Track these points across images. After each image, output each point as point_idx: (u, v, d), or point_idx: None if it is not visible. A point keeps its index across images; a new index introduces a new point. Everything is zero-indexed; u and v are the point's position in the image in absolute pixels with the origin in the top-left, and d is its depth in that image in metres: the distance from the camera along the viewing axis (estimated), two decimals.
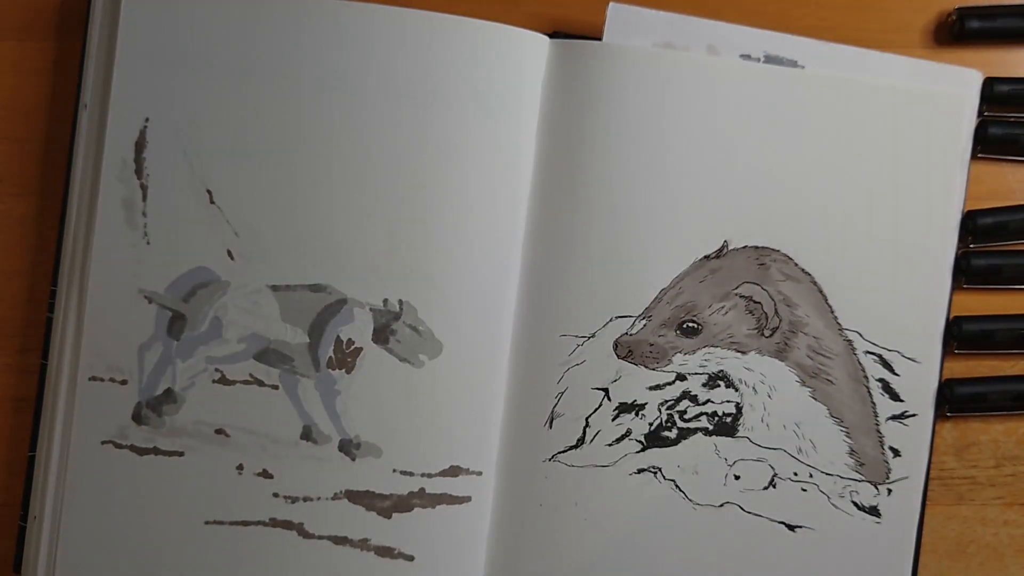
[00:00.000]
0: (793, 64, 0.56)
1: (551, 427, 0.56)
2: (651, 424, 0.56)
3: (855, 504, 0.56)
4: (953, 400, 0.56)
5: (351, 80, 0.55)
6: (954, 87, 0.56)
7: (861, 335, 0.56)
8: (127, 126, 0.55)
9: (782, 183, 0.56)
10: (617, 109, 0.55)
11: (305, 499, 0.55)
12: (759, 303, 0.56)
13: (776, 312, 0.56)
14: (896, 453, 0.56)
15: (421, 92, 0.55)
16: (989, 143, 0.57)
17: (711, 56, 0.56)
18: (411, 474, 0.55)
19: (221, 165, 0.55)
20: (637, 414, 0.56)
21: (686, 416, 0.56)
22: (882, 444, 0.56)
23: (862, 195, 0.56)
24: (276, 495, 0.55)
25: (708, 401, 0.56)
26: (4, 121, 0.58)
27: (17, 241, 0.58)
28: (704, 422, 0.56)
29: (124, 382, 0.55)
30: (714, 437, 0.56)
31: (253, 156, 0.55)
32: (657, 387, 0.56)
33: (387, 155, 0.55)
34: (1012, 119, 0.57)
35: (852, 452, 0.56)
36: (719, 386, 0.56)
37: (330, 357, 0.56)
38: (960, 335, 0.57)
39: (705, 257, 0.56)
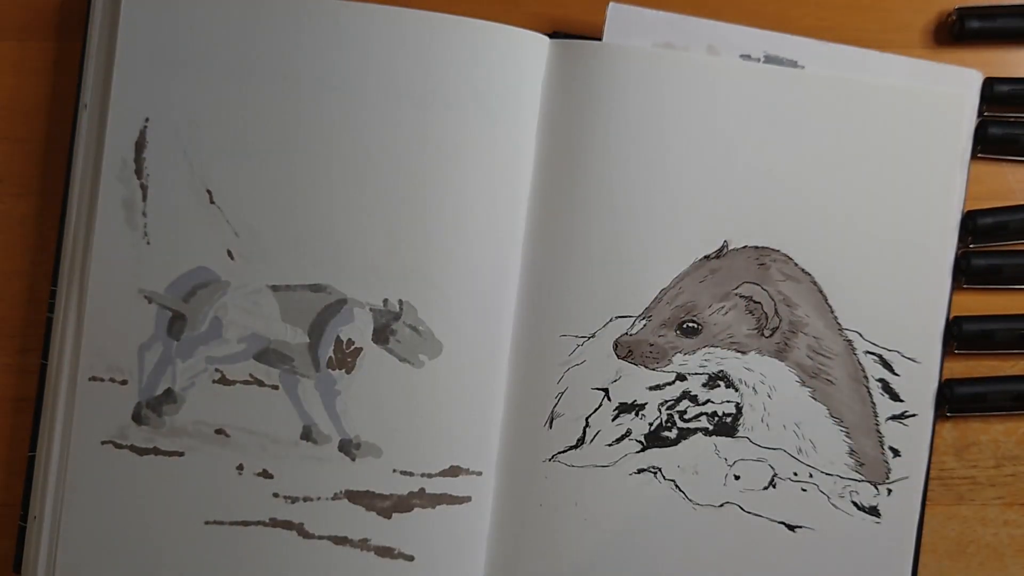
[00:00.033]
0: (793, 64, 0.56)
1: (551, 427, 0.56)
2: (651, 424, 0.56)
3: (855, 504, 0.56)
4: (953, 400, 0.56)
5: (351, 80, 0.55)
6: (954, 87, 0.56)
7: (861, 335, 0.56)
8: (127, 126, 0.55)
9: (782, 183, 0.56)
10: (617, 109, 0.55)
11: (305, 499, 0.55)
12: (759, 303, 0.56)
13: (776, 312, 0.56)
14: (896, 453, 0.56)
15: (421, 92, 0.55)
16: (989, 143, 0.57)
17: (711, 56, 0.56)
18: (411, 474, 0.55)
19: (221, 165, 0.55)
20: (637, 414, 0.56)
21: (686, 416, 0.56)
22: (882, 444, 0.56)
23: (862, 195, 0.56)
24: (276, 495, 0.55)
25: (708, 401, 0.56)
26: (4, 121, 0.58)
27: (17, 241, 0.58)
28: (704, 422, 0.56)
29: (124, 382, 0.55)
30: (714, 437, 0.56)
31: (253, 156, 0.55)
32: (657, 387, 0.56)
33: (387, 155, 0.55)
34: (1012, 119, 0.57)
35: (852, 452, 0.56)
36: (719, 386, 0.56)
37: (330, 357, 0.56)
38: (960, 335, 0.57)
39: (705, 257, 0.56)
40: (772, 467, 0.56)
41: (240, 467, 0.55)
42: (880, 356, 0.56)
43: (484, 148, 0.55)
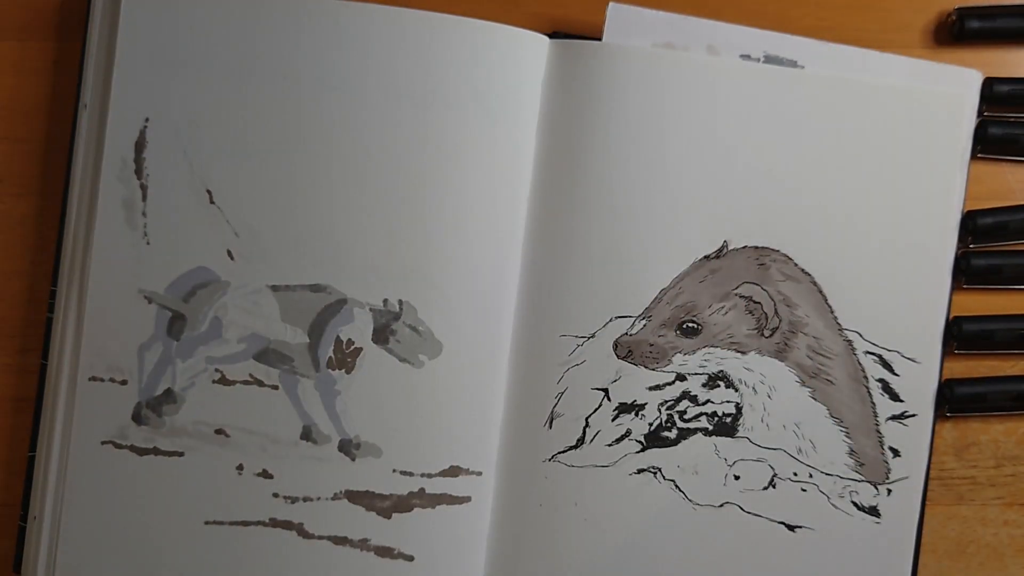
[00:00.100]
0: (793, 64, 0.56)
1: (551, 427, 0.56)
2: (651, 424, 0.56)
3: (855, 504, 0.56)
4: (953, 400, 0.56)
5: (351, 80, 0.55)
6: (954, 87, 0.56)
7: (861, 335, 0.56)
8: (127, 126, 0.55)
9: (782, 183, 0.56)
10: (617, 109, 0.55)
11: (305, 499, 0.55)
12: (759, 303, 0.56)
13: (776, 312, 0.56)
14: (896, 453, 0.56)
15: (421, 92, 0.55)
16: (989, 143, 0.57)
17: (711, 56, 0.56)
18: (411, 474, 0.55)
19: (221, 165, 0.55)
20: (637, 414, 0.56)
21: (686, 416, 0.56)
22: (882, 444, 0.56)
23: (862, 195, 0.56)
24: (276, 495, 0.55)
25: (708, 401, 0.56)
26: (4, 121, 0.58)
27: (17, 241, 0.58)
28: (704, 422, 0.56)
29: (124, 382, 0.55)
30: (714, 437, 0.56)
31: (253, 156, 0.55)
32: (657, 387, 0.56)
33: (387, 155, 0.55)
34: (1012, 119, 0.57)
35: (852, 452, 0.56)
36: (719, 386, 0.56)
37: (330, 357, 0.56)
38: (960, 335, 0.57)
39: (705, 257, 0.56)
40: (772, 467, 0.56)
41: (240, 467, 0.55)
42: (880, 356, 0.56)
43: (484, 148, 0.55)
